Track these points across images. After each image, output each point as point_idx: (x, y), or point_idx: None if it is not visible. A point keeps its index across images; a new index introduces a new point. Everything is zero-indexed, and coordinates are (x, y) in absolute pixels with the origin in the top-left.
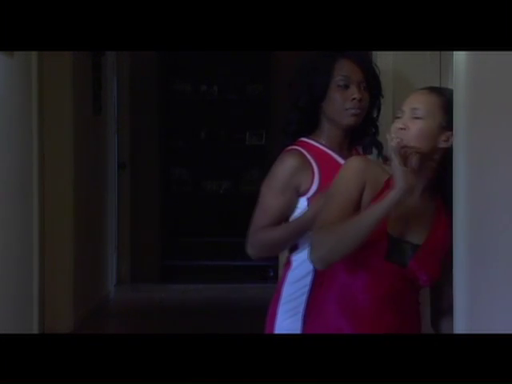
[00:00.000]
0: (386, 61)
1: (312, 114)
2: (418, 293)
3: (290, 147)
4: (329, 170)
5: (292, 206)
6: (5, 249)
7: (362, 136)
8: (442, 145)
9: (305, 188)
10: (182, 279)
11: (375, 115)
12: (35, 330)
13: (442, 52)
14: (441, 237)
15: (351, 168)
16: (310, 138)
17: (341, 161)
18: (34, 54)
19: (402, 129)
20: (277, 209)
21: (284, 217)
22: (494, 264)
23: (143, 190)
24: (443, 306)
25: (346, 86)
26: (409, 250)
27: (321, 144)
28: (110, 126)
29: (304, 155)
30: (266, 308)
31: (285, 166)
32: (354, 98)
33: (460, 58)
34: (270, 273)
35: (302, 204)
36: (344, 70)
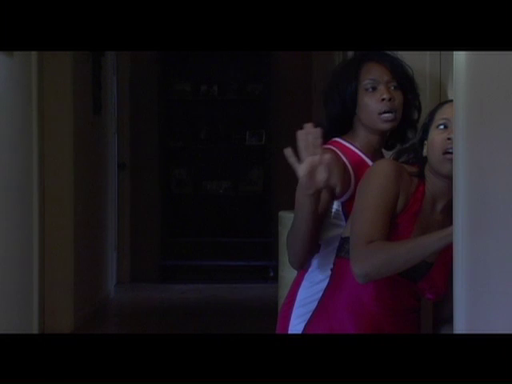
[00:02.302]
0: None
1: (347, 122)
2: (420, 304)
3: (324, 146)
4: (362, 176)
5: (324, 204)
6: (5, 249)
7: (401, 140)
8: None
9: (340, 190)
10: (182, 279)
11: (415, 116)
12: (35, 330)
13: (442, 52)
14: (451, 251)
15: (387, 174)
16: (344, 140)
17: None
18: (33, 54)
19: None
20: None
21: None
22: (494, 264)
23: (143, 189)
24: (445, 314)
25: (374, 89)
26: (422, 268)
27: (356, 147)
28: (110, 126)
29: (339, 156)
30: (266, 308)
31: None
32: (383, 99)
33: (460, 58)
34: (270, 273)
35: (336, 207)
36: (370, 73)
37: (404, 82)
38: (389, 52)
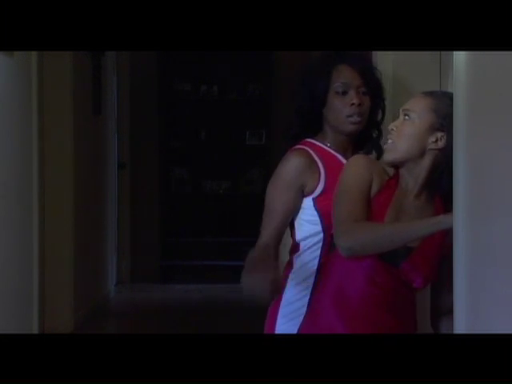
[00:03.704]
0: (385, 61)
1: (314, 119)
2: (414, 294)
3: (296, 146)
4: (335, 172)
5: (297, 206)
6: (5, 249)
7: (367, 140)
8: (431, 146)
9: (310, 188)
10: (182, 279)
11: (379, 118)
12: (35, 330)
13: (442, 52)
14: (438, 238)
15: (359, 164)
16: (315, 139)
17: None
18: (33, 54)
19: (392, 130)
20: (282, 208)
21: (290, 216)
22: (494, 264)
23: (143, 189)
24: (442, 305)
25: (345, 93)
26: (401, 251)
27: (326, 146)
28: (110, 126)
29: (310, 154)
30: (265, 308)
31: (290, 165)
32: (352, 104)
33: (460, 58)
34: None
35: (308, 204)
36: (342, 76)
37: (373, 87)
38: (360, 56)
